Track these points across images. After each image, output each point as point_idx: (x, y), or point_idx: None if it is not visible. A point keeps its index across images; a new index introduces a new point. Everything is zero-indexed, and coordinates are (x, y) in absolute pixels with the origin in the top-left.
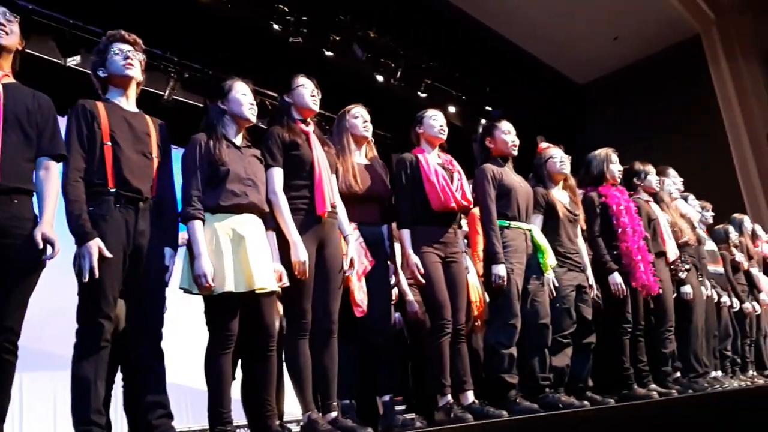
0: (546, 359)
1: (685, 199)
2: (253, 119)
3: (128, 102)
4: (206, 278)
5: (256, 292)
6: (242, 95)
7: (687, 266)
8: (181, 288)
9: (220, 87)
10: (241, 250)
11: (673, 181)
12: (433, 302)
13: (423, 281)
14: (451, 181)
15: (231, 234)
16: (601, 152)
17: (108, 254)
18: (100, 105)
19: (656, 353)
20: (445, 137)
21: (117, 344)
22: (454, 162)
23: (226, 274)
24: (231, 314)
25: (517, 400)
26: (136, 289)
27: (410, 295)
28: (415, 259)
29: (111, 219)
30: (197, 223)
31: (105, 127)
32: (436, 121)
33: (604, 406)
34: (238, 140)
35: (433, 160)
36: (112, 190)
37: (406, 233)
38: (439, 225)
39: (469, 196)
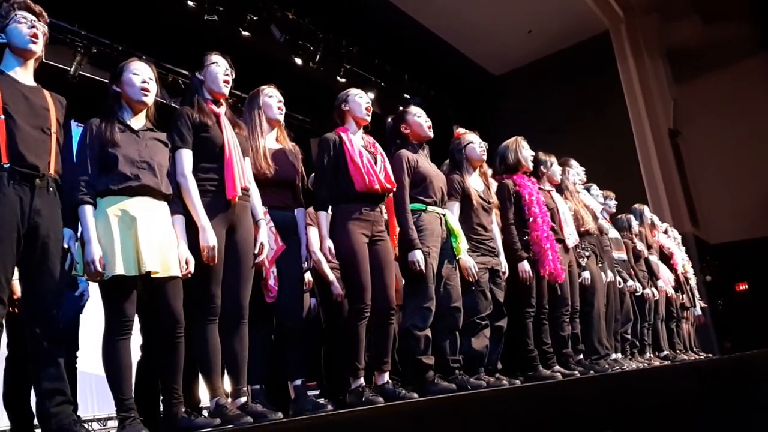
0: (456, 342)
1: (588, 189)
2: (147, 100)
3: (26, 74)
4: (95, 264)
5: (152, 276)
6: (134, 75)
7: (587, 253)
8: (74, 275)
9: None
10: (132, 233)
11: (576, 171)
12: (354, 285)
13: (336, 263)
14: (375, 164)
15: (121, 215)
16: (511, 141)
17: None
18: None
19: (555, 336)
20: (369, 118)
21: None
22: (378, 145)
23: (117, 258)
24: (125, 298)
25: (435, 381)
26: (31, 270)
27: (332, 277)
28: (329, 243)
29: (3, 196)
30: (87, 209)
31: None
32: (362, 99)
33: (511, 386)
34: (136, 123)
35: (357, 142)
36: (6, 165)
37: (322, 216)
38: (364, 203)
39: (393, 179)
